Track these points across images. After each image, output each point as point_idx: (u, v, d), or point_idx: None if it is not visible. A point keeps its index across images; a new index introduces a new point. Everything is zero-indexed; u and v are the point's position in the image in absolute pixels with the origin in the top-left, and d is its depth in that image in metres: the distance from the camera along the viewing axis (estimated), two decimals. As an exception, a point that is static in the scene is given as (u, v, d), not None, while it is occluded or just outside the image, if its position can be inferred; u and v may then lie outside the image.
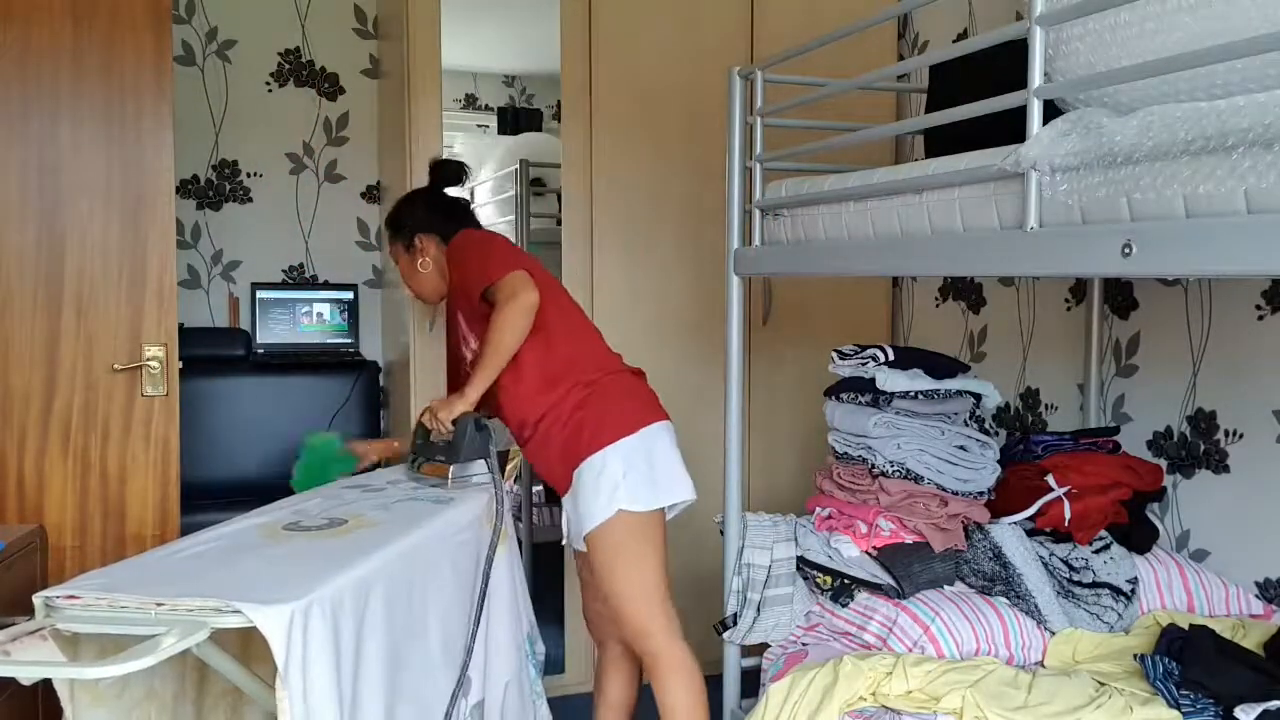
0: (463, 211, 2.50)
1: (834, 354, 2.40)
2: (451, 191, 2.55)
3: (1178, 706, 1.75)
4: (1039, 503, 2.23)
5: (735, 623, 2.32)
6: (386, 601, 1.65)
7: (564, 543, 2.40)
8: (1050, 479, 2.25)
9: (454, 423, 2.15)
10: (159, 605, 1.39)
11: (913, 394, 2.28)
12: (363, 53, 3.61)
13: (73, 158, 2.43)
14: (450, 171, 2.52)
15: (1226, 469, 2.33)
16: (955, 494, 2.27)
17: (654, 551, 2.19)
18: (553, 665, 3.07)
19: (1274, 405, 2.22)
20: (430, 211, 2.47)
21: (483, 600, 1.97)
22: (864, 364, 2.31)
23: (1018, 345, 2.99)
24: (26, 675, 1.40)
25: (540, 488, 4.03)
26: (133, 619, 1.39)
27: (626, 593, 2.16)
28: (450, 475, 2.16)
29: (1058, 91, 1.50)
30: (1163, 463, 2.46)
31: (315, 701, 1.41)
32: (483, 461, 2.16)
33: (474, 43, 5.27)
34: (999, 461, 2.34)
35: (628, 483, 2.12)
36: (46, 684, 1.53)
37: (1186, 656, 1.85)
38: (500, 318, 2.14)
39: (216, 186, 3.48)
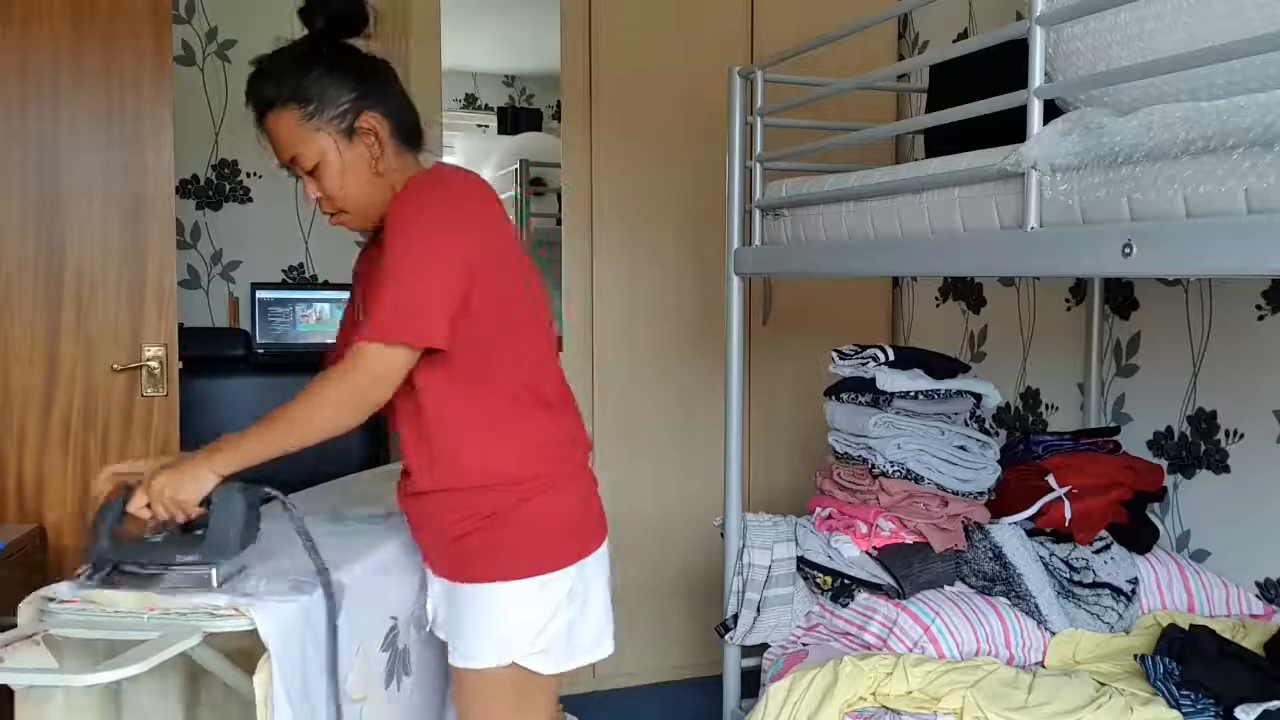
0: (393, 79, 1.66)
1: (834, 354, 2.40)
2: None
3: (1178, 707, 1.75)
4: (1039, 503, 2.23)
5: (735, 624, 2.32)
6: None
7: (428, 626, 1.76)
8: (1050, 479, 2.25)
9: (207, 501, 1.47)
10: (151, 610, 1.39)
11: (913, 394, 2.28)
12: (363, 53, 3.60)
13: (72, 158, 2.43)
14: (347, 6, 1.62)
15: (1227, 469, 2.32)
16: (955, 494, 2.27)
17: (536, 715, 1.63)
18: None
19: (1274, 405, 2.21)
20: (365, 78, 1.60)
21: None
22: (864, 364, 2.31)
23: (1018, 345, 2.99)
24: (20, 682, 1.40)
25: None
26: (126, 624, 1.38)
27: None
28: (217, 577, 1.43)
29: (1058, 91, 1.50)
30: (1163, 463, 2.46)
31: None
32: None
33: (474, 43, 5.27)
34: (999, 461, 2.34)
35: (543, 635, 1.56)
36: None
37: (1187, 656, 1.85)
38: (326, 387, 1.47)
39: (216, 186, 3.48)
